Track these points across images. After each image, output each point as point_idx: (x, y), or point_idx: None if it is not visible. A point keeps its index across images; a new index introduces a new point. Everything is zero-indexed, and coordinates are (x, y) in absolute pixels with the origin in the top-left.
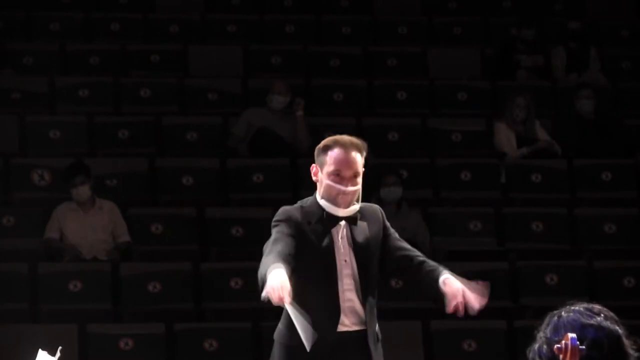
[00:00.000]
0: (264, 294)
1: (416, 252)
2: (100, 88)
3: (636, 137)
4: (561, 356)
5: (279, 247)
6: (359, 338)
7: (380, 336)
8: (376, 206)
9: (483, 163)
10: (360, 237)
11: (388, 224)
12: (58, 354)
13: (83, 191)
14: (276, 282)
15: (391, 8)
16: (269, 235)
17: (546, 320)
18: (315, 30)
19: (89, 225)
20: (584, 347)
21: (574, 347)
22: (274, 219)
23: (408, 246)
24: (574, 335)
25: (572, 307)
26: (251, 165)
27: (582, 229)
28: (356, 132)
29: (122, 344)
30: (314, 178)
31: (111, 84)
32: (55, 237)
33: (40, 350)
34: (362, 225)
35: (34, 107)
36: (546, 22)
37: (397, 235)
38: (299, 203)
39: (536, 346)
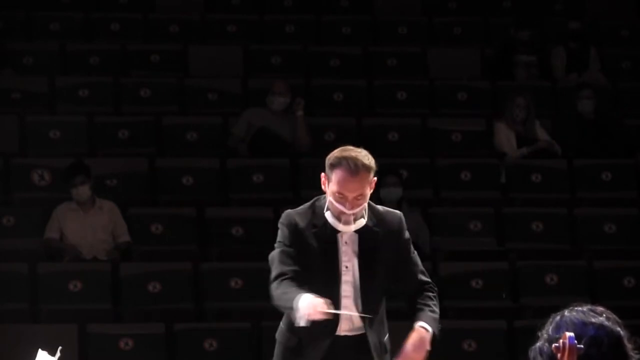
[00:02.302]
0: (304, 319)
1: (421, 285)
2: (100, 88)
3: (636, 137)
4: (559, 355)
5: (287, 272)
6: (357, 343)
7: (388, 348)
8: (398, 215)
9: (483, 163)
10: (367, 245)
11: (407, 235)
12: (58, 354)
13: (83, 191)
14: (308, 303)
15: (391, 8)
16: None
17: (549, 319)
18: (315, 30)
19: (89, 225)
20: (582, 346)
21: (571, 345)
22: (280, 220)
23: (418, 275)
24: (571, 334)
25: (576, 308)
26: (251, 165)
27: (582, 229)
28: (356, 132)
29: (122, 344)
30: (322, 187)
31: (111, 84)
32: (55, 237)
33: (40, 350)
34: (373, 232)
35: (34, 107)
36: (546, 22)
37: (412, 255)
38: (313, 200)
39: (538, 345)
